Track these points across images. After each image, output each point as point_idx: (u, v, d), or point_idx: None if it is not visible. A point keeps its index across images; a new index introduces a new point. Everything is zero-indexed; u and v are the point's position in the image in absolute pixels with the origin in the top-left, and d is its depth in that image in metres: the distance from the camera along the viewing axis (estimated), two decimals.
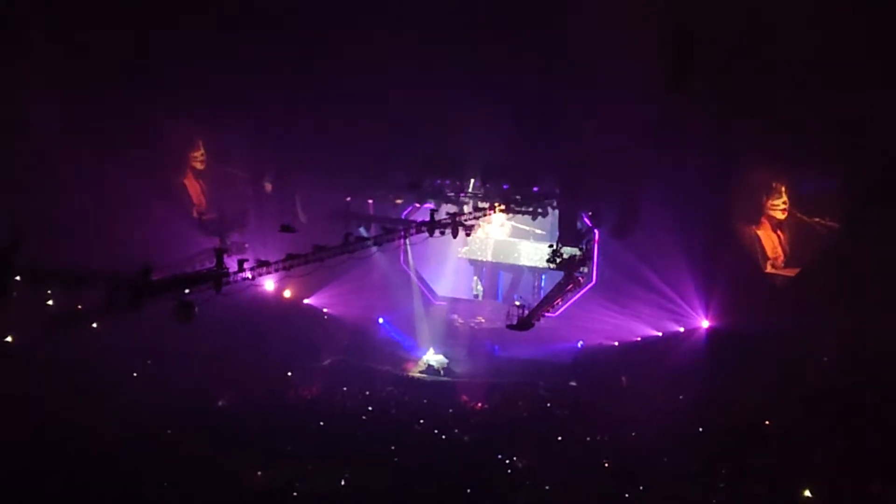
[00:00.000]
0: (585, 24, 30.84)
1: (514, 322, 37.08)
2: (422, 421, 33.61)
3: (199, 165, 42.06)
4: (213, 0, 33.50)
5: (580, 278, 38.59)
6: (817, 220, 34.21)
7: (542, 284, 44.88)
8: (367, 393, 36.73)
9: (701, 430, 31.92)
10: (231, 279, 25.31)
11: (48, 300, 32.72)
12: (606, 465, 29.78)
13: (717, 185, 34.76)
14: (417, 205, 42.57)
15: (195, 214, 41.67)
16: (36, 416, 28.62)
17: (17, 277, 27.82)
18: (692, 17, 29.52)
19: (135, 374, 35.04)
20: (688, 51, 29.79)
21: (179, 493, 26.15)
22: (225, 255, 25.54)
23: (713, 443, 30.76)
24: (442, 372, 40.47)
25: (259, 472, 28.13)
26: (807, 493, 26.95)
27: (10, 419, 27.36)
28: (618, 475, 28.80)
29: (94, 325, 30.94)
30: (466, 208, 38.60)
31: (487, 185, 39.80)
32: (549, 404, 36.10)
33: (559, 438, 31.95)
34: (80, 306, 27.41)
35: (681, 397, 34.66)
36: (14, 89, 34.09)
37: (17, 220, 30.39)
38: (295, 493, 27.57)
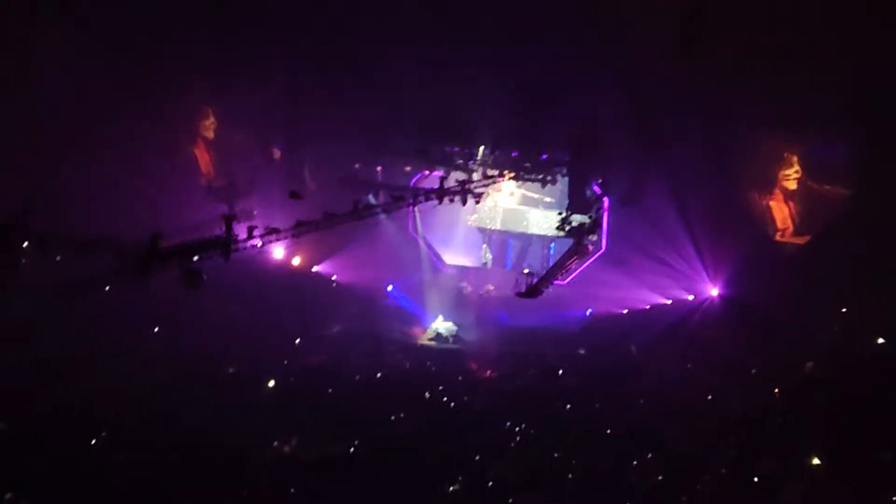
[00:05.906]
0: None
1: (523, 290, 36.95)
2: (431, 388, 33.67)
3: (208, 134, 41.81)
4: None
5: (589, 246, 38.38)
6: (828, 188, 33.97)
7: (552, 252, 44.76)
8: (376, 360, 36.70)
9: (710, 398, 31.86)
10: (240, 246, 25.26)
11: (56, 267, 32.75)
12: (611, 432, 29.76)
13: (728, 154, 34.54)
14: (427, 172, 42.41)
15: (204, 182, 41.49)
16: (44, 384, 28.74)
17: (26, 244, 27.77)
18: None
19: (141, 344, 35.20)
20: (701, 19, 29.44)
21: (187, 459, 26.20)
22: (234, 223, 25.46)
23: (722, 412, 30.69)
24: (451, 340, 40.49)
25: (275, 442, 28.15)
26: (815, 461, 26.90)
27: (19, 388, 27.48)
28: (625, 443, 28.80)
29: (106, 289, 30.89)
30: (476, 176, 38.40)
31: (497, 153, 39.53)
32: (560, 371, 36.10)
33: (567, 406, 31.95)
34: (89, 273, 27.31)
35: (689, 366, 34.68)
36: (21, 58, 33.89)
37: (26, 187, 30.28)
38: (303, 461, 27.55)
